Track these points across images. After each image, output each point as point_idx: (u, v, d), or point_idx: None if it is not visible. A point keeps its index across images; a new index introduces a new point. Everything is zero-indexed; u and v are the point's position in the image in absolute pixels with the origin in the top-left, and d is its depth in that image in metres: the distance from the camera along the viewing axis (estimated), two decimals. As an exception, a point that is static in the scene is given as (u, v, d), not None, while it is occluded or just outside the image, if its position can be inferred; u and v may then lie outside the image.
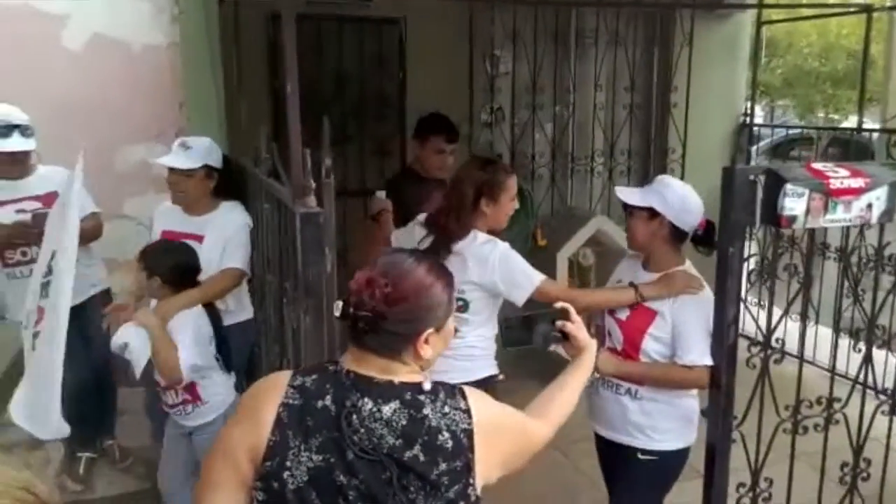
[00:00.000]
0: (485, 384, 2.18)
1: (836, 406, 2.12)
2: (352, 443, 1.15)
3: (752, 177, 1.84)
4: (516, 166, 4.63)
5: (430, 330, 1.23)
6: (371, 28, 4.43)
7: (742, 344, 1.96)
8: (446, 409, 1.20)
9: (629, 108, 4.73)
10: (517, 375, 4.51)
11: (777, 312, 2.08)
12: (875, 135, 4.73)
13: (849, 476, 2.21)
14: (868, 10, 4.66)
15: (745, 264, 1.95)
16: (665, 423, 2.12)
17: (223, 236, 2.62)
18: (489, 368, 2.38)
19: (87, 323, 3.01)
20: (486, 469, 1.22)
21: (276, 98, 4.28)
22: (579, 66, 4.73)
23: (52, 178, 2.86)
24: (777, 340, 2.03)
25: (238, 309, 2.76)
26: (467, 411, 1.21)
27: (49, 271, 2.37)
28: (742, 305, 1.95)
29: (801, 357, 2.21)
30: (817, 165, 1.89)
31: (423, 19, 4.24)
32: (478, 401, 1.25)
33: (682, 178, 4.59)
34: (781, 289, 2.12)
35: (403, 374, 1.23)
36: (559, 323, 1.57)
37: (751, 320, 2.26)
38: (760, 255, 4.28)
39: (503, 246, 2.31)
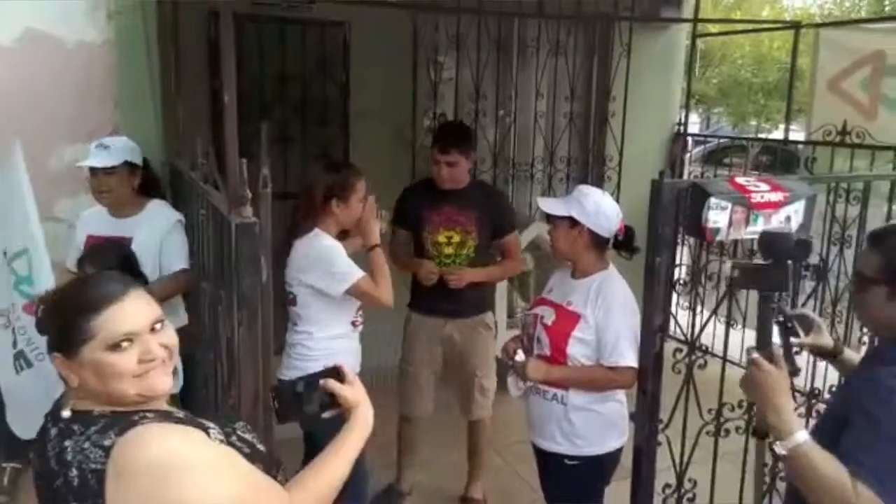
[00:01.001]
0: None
1: (756, 409, 2.22)
2: (41, 459, 1.16)
3: (678, 190, 1.93)
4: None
5: (56, 354, 1.16)
6: (314, 31, 4.40)
7: (670, 345, 2.05)
8: (86, 444, 1.08)
9: (569, 117, 4.82)
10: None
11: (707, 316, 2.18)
12: (801, 146, 4.95)
13: (768, 476, 2.32)
14: (796, 26, 4.88)
15: (676, 272, 2.04)
16: (588, 430, 2.19)
17: (155, 235, 2.59)
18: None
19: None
20: None
21: (216, 98, 4.21)
22: (521, 74, 4.80)
23: None
24: (702, 346, 2.12)
25: (173, 316, 2.71)
26: (107, 449, 1.06)
27: (12, 271, 2.32)
28: (670, 311, 2.04)
29: (724, 361, 2.31)
30: (740, 180, 1.99)
31: (367, 24, 4.23)
32: (140, 440, 1.07)
33: (618, 185, 4.72)
34: (713, 293, 2.21)
35: (79, 399, 1.17)
36: (322, 382, 1.32)
37: (681, 323, 2.36)
38: (691, 261, 4.44)
39: (328, 243, 2.40)
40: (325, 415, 1.34)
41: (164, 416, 1.15)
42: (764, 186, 1.98)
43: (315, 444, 2.25)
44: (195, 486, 1.06)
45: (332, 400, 1.33)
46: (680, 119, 5.23)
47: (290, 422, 1.36)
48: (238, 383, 1.57)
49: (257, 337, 1.52)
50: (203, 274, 2.19)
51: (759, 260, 1.65)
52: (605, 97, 4.80)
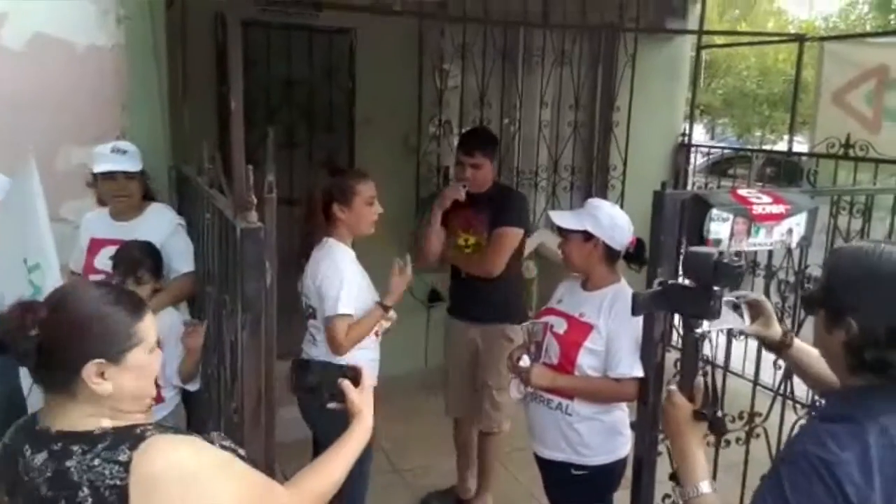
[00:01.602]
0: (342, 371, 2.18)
1: (757, 420, 2.23)
2: (20, 489, 1.12)
3: (680, 201, 1.94)
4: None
5: (101, 361, 1.13)
6: (321, 38, 4.43)
7: (672, 356, 2.05)
8: (96, 461, 1.07)
9: (573, 126, 4.84)
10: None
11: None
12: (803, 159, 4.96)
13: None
14: (800, 38, 4.90)
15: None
16: (594, 439, 2.18)
17: (158, 237, 2.60)
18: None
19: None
20: None
21: (223, 103, 4.24)
22: (526, 83, 4.83)
23: None
24: (703, 357, 2.13)
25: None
26: (125, 464, 1.07)
27: (30, 283, 2.29)
28: (672, 322, 2.04)
29: (725, 372, 2.30)
30: (742, 192, 2.00)
31: (373, 31, 4.26)
32: (155, 452, 1.09)
33: (621, 195, 4.74)
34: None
35: (76, 416, 1.14)
36: (340, 381, 1.43)
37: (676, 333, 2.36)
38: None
39: (342, 255, 2.38)
40: (330, 405, 1.45)
41: (162, 429, 1.18)
42: (766, 198, 1.99)
43: (322, 448, 2.26)
44: (210, 489, 1.11)
45: (341, 396, 1.42)
46: (684, 129, 5.24)
47: (298, 395, 1.55)
48: (241, 387, 1.58)
49: (261, 341, 1.52)
50: (208, 278, 2.20)
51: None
52: (610, 107, 4.82)
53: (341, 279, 2.32)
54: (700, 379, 1.35)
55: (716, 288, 1.33)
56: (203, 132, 2.73)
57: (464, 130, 4.67)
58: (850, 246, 1.22)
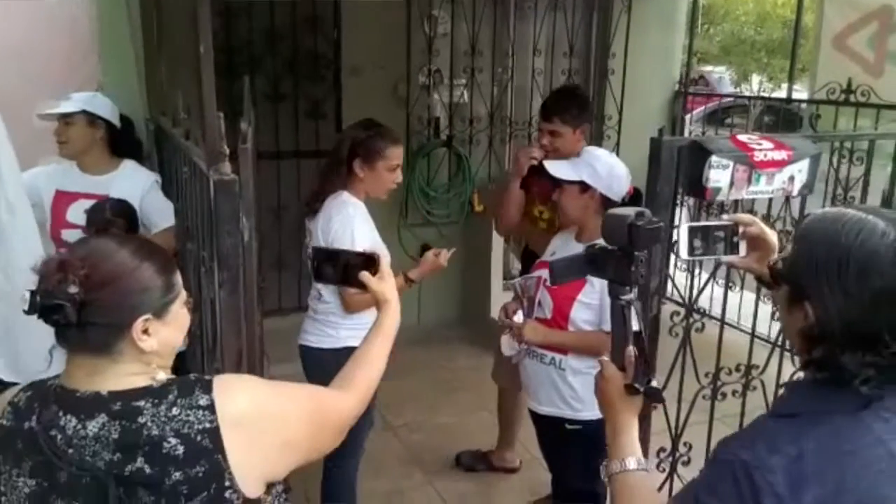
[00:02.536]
0: (346, 354, 2.11)
1: (754, 373, 2.19)
2: (64, 463, 1.04)
3: (678, 148, 1.86)
4: (454, 131, 4.59)
5: (147, 316, 1.09)
6: (304, -17, 4.27)
7: (668, 308, 2.00)
8: (175, 410, 1.05)
9: (567, 74, 4.71)
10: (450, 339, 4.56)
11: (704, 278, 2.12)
12: (804, 105, 4.85)
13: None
14: (801, -20, 4.73)
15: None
16: (587, 393, 2.12)
17: (133, 194, 2.54)
18: (353, 340, 2.20)
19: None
20: (256, 465, 1.08)
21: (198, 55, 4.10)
22: (518, 30, 4.68)
23: None
24: (699, 310, 2.08)
25: None
26: (209, 407, 1.06)
27: None
28: (668, 273, 1.98)
29: (721, 324, 2.26)
30: (742, 137, 1.92)
31: (358, -24, 4.10)
32: (229, 390, 1.09)
33: (617, 144, 4.64)
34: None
35: (119, 377, 1.08)
36: (360, 275, 1.42)
37: (679, 285, 2.31)
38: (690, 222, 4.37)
39: (354, 210, 2.30)
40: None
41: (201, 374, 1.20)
42: (767, 144, 1.92)
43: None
44: (282, 414, 1.14)
45: (353, 279, 1.44)
46: (681, 77, 5.12)
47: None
48: (220, 347, 1.52)
49: (239, 298, 1.46)
50: (188, 234, 2.12)
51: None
52: (605, 54, 4.69)
53: (353, 234, 2.24)
54: (631, 349, 1.24)
55: (637, 253, 1.21)
56: (180, 84, 2.61)
57: (456, 82, 4.55)
58: (826, 216, 1.02)
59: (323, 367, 2.31)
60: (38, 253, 2.22)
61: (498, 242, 4.55)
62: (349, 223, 2.26)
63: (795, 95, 4.89)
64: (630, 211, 1.22)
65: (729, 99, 8.04)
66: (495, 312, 4.45)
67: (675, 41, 5.14)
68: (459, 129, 4.60)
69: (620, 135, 4.71)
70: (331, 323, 2.33)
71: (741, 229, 1.46)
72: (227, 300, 1.46)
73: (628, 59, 4.60)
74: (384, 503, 2.88)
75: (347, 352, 2.17)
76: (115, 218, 2.36)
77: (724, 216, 1.52)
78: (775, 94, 9.82)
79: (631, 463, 1.17)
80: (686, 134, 5.38)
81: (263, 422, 1.10)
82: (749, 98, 7.08)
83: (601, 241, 1.27)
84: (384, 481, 3.02)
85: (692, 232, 1.46)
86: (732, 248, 1.47)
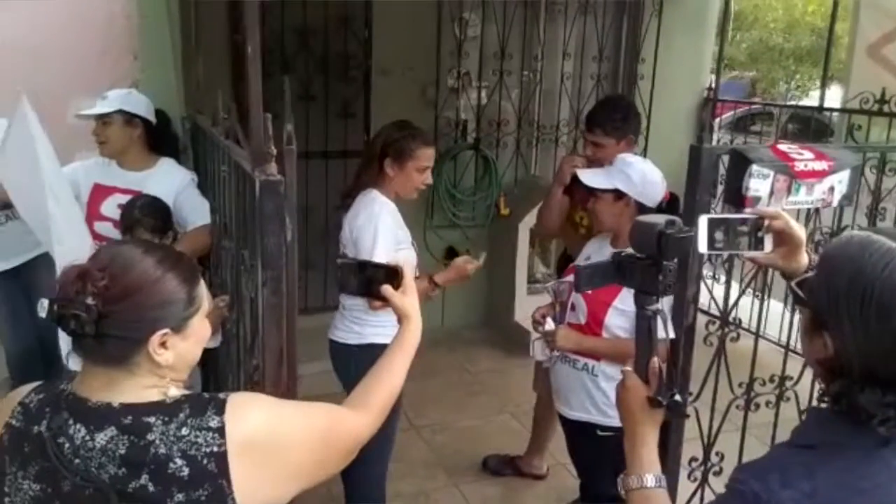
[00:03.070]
0: (371, 351, 2.04)
1: (788, 384, 2.17)
2: (69, 472, 1.02)
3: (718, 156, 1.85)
4: (481, 134, 4.59)
5: (166, 331, 1.07)
6: (336, -16, 4.29)
7: (703, 319, 1.99)
8: (184, 430, 1.03)
9: (596, 79, 4.69)
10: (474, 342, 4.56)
11: (735, 288, 2.10)
12: (835, 114, 4.80)
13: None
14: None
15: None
16: None
17: (169, 191, 2.57)
18: (378, 337, 2.27)
19: (34, 283, 2.92)
20: (261, 491, 1.06)
21: (236, 53, 4.13)
22: (548, 34, 4.67)
23: None
24: (736, 320, 2.06)
25: None
26: (219, 430, 1.03)
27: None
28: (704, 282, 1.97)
29: (756, 334, 2.25)
30: (783, 147, 1.90)
31: (390, -23, 4.12)
32: (242, 413, 1.06)
33: (644, 150, 4.61)
34: (738, 264, 2.13)
35: (133, 389, 1.06)
36: (382, 289, 1.39)
37: (707, 296, 2.29)
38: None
39: (381, 207, 2.30)
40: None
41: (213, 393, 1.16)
42: (808, 154, 1.89)
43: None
44: (291, 436, 1.11)
45: (376, 293, 1.41)
46: (710, 83, 5.08)
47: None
48: (262, 344, 1.53)
49: (282, 298, 1.47)
50: (224, 232, 2.14)
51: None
52: (635, 58, 4.67)
53: (375, 230, 2.25)
54: (655, 361, 1.20)
55: (665, 262, 1.17)
56: (216, 84, 2.64)
57: (483, 84, 4.55)
58: (852, 241, 0.94)
59: (348, 361, 2.33)
60: (85, 239, 2.27)
61: (523, 246, 4.55)
62: (373, 220, 2.27)
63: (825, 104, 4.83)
64: (660, 219, 1.18)
65: (756, 106, 7.98)
66: (519, 316, 4.51)
67: (705, 47, 5.10)
68: (487, 132, 4.60)
69: (648, 140, 4.68)
70: (357, 319, 2.35)
71: (766, 223, 1.37)
72: (269, 299, 1.47)
73: (658, 64, 4.58)
74: (409, 504, 2.89)
75: (371, 348, 2.21)
76: (143, 217, 2.40)
77: (747, 209, 1.46)
78: (802, 103, 9.72)
79: (649, 480, 1.14)
80: (714, 141, 5.34)
81: (273, 448, 1.08)
82: (779, 106, 7.00)
83: (630, 249, 1.24)
84: (409, 482, 3.03)
85: (713, 224, 1.37)
86: (757, 244, 1.38)
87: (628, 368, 1.25)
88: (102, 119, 2.60)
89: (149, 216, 2.42)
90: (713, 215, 1.42)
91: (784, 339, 2.32)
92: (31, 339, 3.05)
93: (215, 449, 1.02)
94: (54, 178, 2.22)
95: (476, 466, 3.22)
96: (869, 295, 0.88)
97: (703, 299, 1.96)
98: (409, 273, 1.43)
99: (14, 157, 2.32)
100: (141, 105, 2.68)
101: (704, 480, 2.12)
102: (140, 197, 2.50)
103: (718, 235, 1.38)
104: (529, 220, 4.42)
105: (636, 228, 1.22)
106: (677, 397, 1.21)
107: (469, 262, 2.40)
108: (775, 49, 13.55)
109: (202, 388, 2.58)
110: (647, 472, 1.14)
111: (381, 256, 2.18)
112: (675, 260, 1.19)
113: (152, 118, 2.72)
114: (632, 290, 2.04)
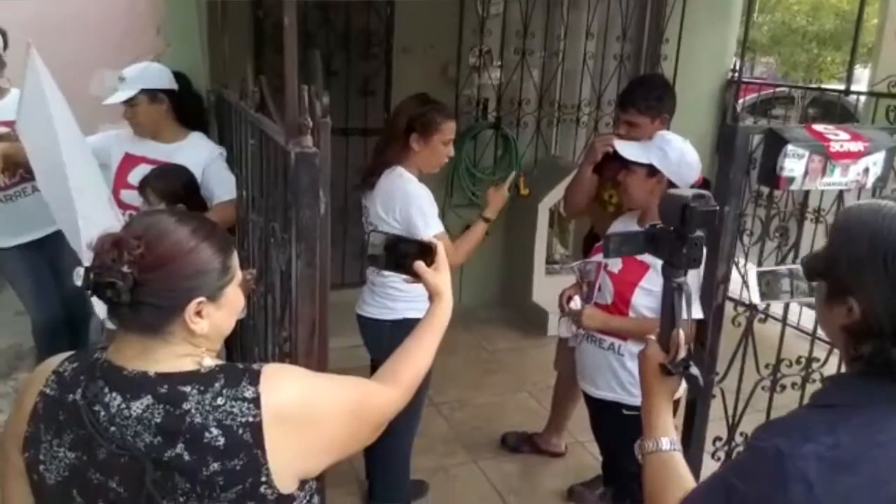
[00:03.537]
0: (405, 326, 2.10)
1: (815, 366, 2.16)
2: (104, 440, 1.02)
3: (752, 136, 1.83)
4: (502, 113, 4.56)
5: (201, 299, 1.07)
6: (359, -41, 4.25)
7: (728, 304, 1.97)
8: (220, 400, 1.03)
9: (619, 59, 4.64)
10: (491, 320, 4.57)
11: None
12: (861, 99, 4.72)
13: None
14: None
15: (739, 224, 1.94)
16: None
17: (197, 163, 2.58)
18: (412, 312, 2.29)
19: (59, 253, 2.94)
20: (294, 462, 1.07)
21: (259, 30, 4.12)
22: (572, 13, 4.62)
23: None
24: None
25: None
26: (254, 400, 1.04)
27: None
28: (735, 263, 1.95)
29: (784, 316, 2.23)
30: (818, 127, 1.88)
31: (413, -46, 4.08)
32: (276, 384, 1.07)
33: (667, 130, 4.56)
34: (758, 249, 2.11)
35: (168, 358, 1.07)
36: (415, 265, 1.39)
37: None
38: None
39: (413, 184, 2.32)
40: (400, 275, 1.47)
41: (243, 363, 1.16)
42: (843, 135, 1.88)
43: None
44: (323, 409, 1.11)
45: (408, 267, 1.40)
46: (735, 65, 5.01)
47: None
48: (294, 317, 1.54)
49: (316, 270, 1.47)
50: (252, 205, 2.15)
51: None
52: (658, 39, 4.60)
53: (420, 202, 2.28)
54: (678, 333, 1.24)
55: (691, 235, 1.20)
56: (240, 58, 2.63)
57: (508, 63, 4.51)
58: (866, 207, 0.99)
59: (382, 338, 2.34)
60: (108, 212, 2.27)
61: (542, 227, 4.53)
62: (413, 193, 2.28)
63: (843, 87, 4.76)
64: (689, 192, 1.21)
65: (781, 89, 7.86)
66: (537, 296, 4.51)
67: (729, 28, 5.03)
68: (507, 112, 4.57)
69: (670, 121, 4.63)
70: (389, 295, 2.35)
71: None
72: (304, 271, 1.48)
73: (681, 45, 4.51)
74: (428, 479, 2.91)
75: (406, 323, 2.22)
76: (154, 179, 2.42)
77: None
78: (824, 86, 9.56)
79: (664, 444, 1.19)
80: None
81: (307, 419, 1.08)
82: (806, 88, 6.90)
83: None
84: (428, 458, 3.05)
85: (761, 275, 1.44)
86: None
87: (652, 337, 1.30)
88: (129, 103, 2.60)
89: (159, 179, 2.44)
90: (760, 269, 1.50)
91: (811, 326, 2.30)
92: (57, 310, 3.08)
93: (250, 419, 1.02)
94: (72, 142, 2.17)
95: (494, 443, 3.24)
96: (891, 251, 0.93)
97: (734, 286, 1.94)
98: (442, 250, 1.43)
99: (31, 121, 2.26)
100: (161, 77, 2.67)
101: (728, 460, 2.12)
102: (166, 165, 2.52)
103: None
104: (549, 200, 4.41)
105: (664, 200, 1.25)
106: (693, 370, 1.26)
107: (498, 186, 2.50)
108: (798, 32, 13.34)
109: (227, 360, 2.60)
110: (662, 436, 1.20)
111: (437, 226, 2.24)
112: (700, 234, 1.22)
113: (174, 86, 2.71)
114: (658, 271, 2.05)
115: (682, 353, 1.24)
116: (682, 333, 1.24)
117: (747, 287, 1.44)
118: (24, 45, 2.33)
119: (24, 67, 2.17)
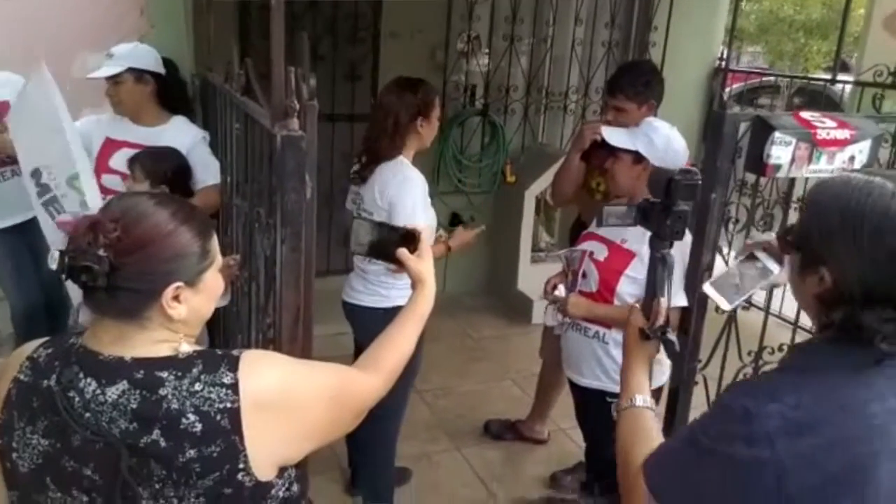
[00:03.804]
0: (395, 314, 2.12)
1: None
2: (79, 426, 1.00)
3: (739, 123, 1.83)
4: (490, 99, 4.54)
5: (179, 284, 1.05)
6: (346, -58, 4.20)
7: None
8: (197, 386, 1.01)
9: (607, 46, 4.63)
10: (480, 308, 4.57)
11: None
12: (846, 88, 4.75)
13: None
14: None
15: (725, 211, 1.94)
16: None
17: (180, 150, 2.55)
18: (402, 300, 2.27)
19: (38, 239, 2.90)
20: (273, 449, 1.05)
21: (245, 12, 4.07)
22: (560, -1, 4.60)
23: (4, 85, 2.71)
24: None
25: None
26: (232, 386, 1.02)
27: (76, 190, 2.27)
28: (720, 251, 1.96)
29: (767, 305, 2.25)
30: (805, 115, 1.88)
31: (401, -63, 4.04)
32: (255, 370, 1.05)
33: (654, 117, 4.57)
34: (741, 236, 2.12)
35: (145, 344, 1.05)
36: (398, 252, 1.40)
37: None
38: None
39: (414, 172, 2.33)
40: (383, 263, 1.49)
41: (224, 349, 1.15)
42: (830, 123, 1.88)
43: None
44: (303, 395, 1.10)
45: (390, 255, 1.41)
46: (722, 53, 5.02)
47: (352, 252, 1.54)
48: (278, 303, 1.53)
49: (301, 255, 1.46)
50: (236, 190, 2.12)
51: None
52: (647, 26, 4.60)
53: (415, 193, 2.28)
54: (661, 301, 1.35)
55: (675, 208, 1.30)
56: (225, 42, 2.60)
57: (485, 50, 4.49)
58: (837, 180, 1.04)
59: (373, 326, 2.32)
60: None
61: (528, 215, 4.53)
62: (412, 183, 2.29)
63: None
64: (677, 168, 1.31)
65: (767, 78, 7.90)
66: (522, 284, 4.51)
67: (717, 16, 5.02)
68: (495, 98, 4.55)
69: (657, 108, 4.63)
70: (382, 283, 2.34)
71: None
72: (288, 256, 1.46)
73: (670, 32, 4.51)
74: (411, 466, 2.91)
75: (397, 311, 2.21)
76: (143, 157, 2.41)
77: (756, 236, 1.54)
78: (811, 76, 9.62)
79: (638, 400, 1.29)
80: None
81: (286, 406, 1.07)
82: (793, 77, 6.93)
83: None
84: (411, 445, 3.05)
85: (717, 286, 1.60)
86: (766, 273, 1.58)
87: (636, 305, 1.40)
88: (114, 79, 2.56)
89: (149, 158, 2.43)
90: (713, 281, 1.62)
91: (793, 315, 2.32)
92: (36, 295, 3.05)
93: (228, 405, 1.01)
94: (76, 146, 2.23)
95: (478, 430, 3.25)
96: (860, 222, 0.97)
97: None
98: (426, 238, 1.43)
99: (28, 119, 2.30)
100: (149, 58, 2.64)
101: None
102: (162, 147, 2.50)
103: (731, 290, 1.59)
104: (535, 188, 4.40)
105: (652, 174, 1.35)
106: (670, 336, 1.37)
107: (476, 227, 2.48)
108: (785, 21, 13.36)
109: (209, 347, 2.58)
110: (637, 393, 1.30)
111: (421, 221, 2.21)
112: (685, 208, 1.31)
113: (161, 70, 2.68)
114: (644, 261, 2.06)
115: (661, 321, 1.35)
116: (662, 301, 1.33)
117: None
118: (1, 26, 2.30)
119: (18, 63, 2.20)
